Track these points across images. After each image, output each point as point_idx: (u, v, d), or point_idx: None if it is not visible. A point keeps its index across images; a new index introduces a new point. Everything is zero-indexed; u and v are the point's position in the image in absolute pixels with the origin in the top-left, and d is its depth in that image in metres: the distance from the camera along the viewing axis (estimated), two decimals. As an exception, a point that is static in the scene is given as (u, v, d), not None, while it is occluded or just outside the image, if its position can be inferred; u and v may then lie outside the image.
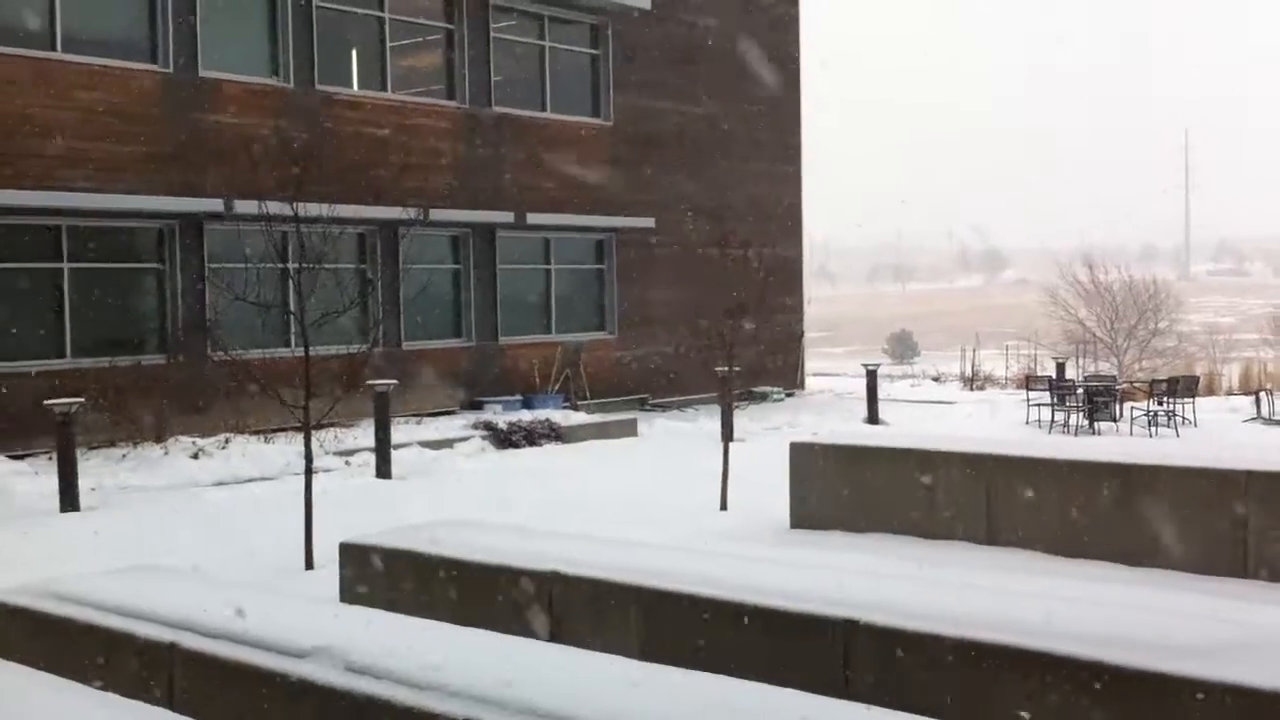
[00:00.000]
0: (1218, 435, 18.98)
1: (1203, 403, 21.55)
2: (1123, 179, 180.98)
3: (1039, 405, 20.21)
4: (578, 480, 14.19)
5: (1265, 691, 4.26)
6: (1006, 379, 30.31)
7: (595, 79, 22.73)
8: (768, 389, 24.25)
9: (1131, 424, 19.52)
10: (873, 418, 20.86)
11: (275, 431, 15.70)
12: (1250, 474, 8.75)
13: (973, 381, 29.71)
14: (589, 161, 22.32)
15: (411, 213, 17.71)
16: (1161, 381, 20.90)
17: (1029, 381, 22.28)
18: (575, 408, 20.17)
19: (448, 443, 16.56)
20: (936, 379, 32.04)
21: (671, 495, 12.67)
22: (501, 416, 18.02)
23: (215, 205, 16.70)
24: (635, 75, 23.09)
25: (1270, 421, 20.72)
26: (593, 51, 22.69)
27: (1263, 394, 22.01)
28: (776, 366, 25.38)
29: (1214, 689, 4.38)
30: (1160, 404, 19.74)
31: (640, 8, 22.47)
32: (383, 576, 7.50)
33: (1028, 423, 20.19)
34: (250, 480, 14.25)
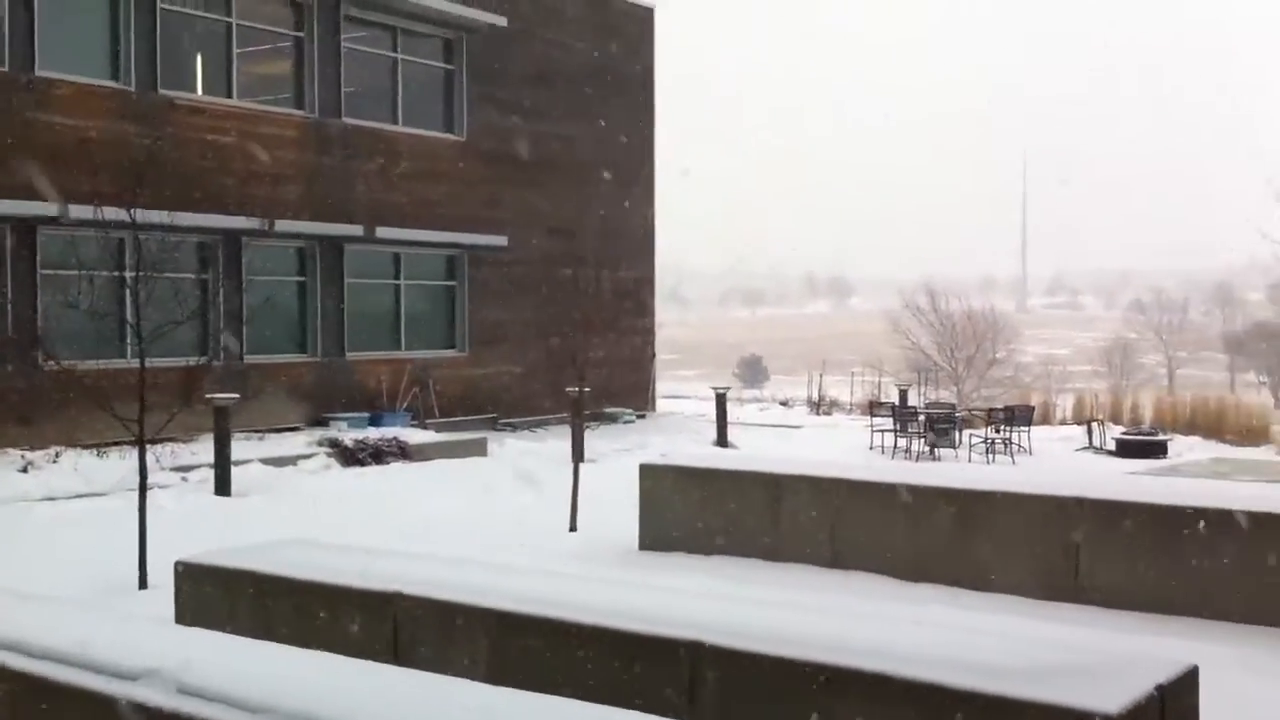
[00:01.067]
0: (1052, 463, 19.64)
1: (1038, 431, 22.27)
2: (963, 211, 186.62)
3: (882, 431, 20.65)
4: (425, 499, 14.00)
5: (1080, 711, 4.38)
6: (852, 405, 30.90)
7: (449, 94, 22.57)
8: (619, 410, 24.31)
9: (970, 451, 20.07)
10: (722, 440, 21.05)
11: (109, 445, 15.15)
12: (1081, 501, 9.03)
13: (819, 406, 30.21)
14: (441, 176, 22.13)
15: (255, 222, 17.32)
16: (999, 410, 21.55)
17: (873, 407, 22.75)
18: (424, 426, 19.92)
19: (291, 460, 16.19)
20: (784, 403, 32.51)
21: (520, 516, 12.59)
22: (348, 434, 17.70)
23: (49, 209, 16.09)
24: (490, 91, 22.99)
25: (1101, 450, 21.52)
26: (446, 66, 22.53)
27: (1094, 424, 22.87)
28: (628, 388, 25.46)
29: (1042, 710, 4.49)
30: (998, 432, 20.34)
31: (495, 24, 22.40)
32: (220, 597, 7.27)
33: (871, 448, 20.60)
34: (82, 496, 13.71)
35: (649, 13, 27.18)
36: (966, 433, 20.90)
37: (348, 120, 20.61)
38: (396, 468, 16.68)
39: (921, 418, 20.78)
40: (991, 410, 22.03)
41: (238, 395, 15.56)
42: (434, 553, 8.10)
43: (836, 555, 9.94)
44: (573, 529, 11.74)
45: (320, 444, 17.15)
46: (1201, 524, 8.46)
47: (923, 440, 20.20)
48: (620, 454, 18.19)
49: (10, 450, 15.07)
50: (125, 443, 14.14)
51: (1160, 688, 4.56)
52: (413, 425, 19.60)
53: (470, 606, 6.26)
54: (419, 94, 22.15)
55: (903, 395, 25.28)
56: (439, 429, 19.81)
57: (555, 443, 19.43)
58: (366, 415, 19.53)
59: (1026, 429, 20.82)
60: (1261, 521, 8.29)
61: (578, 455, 13.50)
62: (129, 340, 14.84)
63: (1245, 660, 6.93)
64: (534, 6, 24.04)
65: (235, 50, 19.19)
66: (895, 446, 20.25)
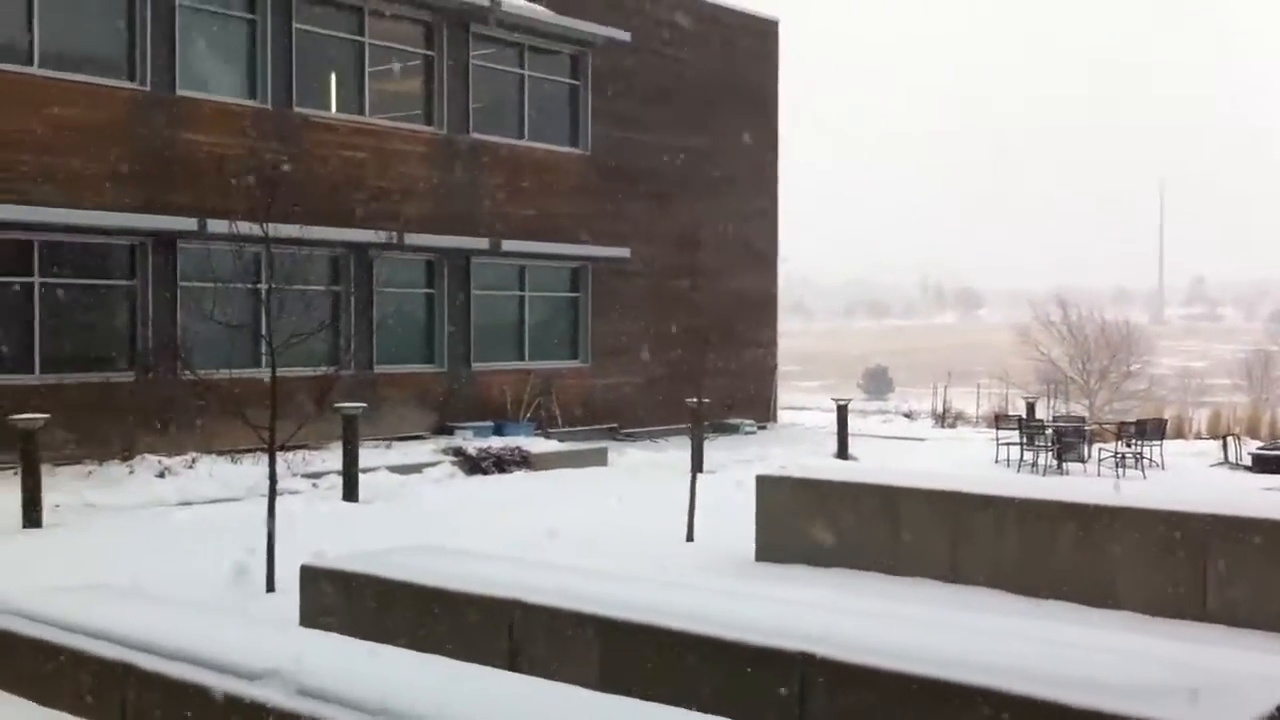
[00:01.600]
0: (1184, 479, 19.09)
1: (1170, 446, 21.68)
2: (1098, 219, 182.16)
3: (1008, 444, 20.30)
4: (545, 508, 14.15)
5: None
6: (977, 417, 30.41)
7: (573, 108, 22.82)
8: (739, 421, 24.28)
9: (1099, 465, 19.62)
10: (842, 452, 20.91)
11: (243, 452, 15.62)
12: (1214, 519, 8.80)
13: (944, 419, 29.80)
14: (565, 190, 22.38)
15: (384, 236, 17.71)
16: (1130, 424, 21.03)
17: (999, 420, 22.38)
18: (546, 436, 20.15)
19: (417, 468, 16.52)
20: (908, 415, 32.13)
21: (638, 525, 12.65)
22: (472, 442, 17.99)
23: (189, 224, 16.66)
24: (613, 106, 23.19)
25: (1236, 466, 20.87)
26: (572, 81, 22.79)
27: (1230, 439, 22.17)
28: (749, 399, 25.42)
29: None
30: (1128, 446, 19.85)
31: (619, 39, 22.59)
32: (343, 600, 7.47)
33: (997, 461, 20.27)
34: (216, 501, 14.16)
35: (773, 26, 27.17)
36: (1096, 446, 20.44)
37: (475, 135, 20.97)
38: (518, 476, 16.91)
39: (1049, 431, 20.39)
40: (1122, 424, 21.50)
41: (365, 404, 15.92)
42: (552, 561, 8.21)
43: (956, 569, 9.81)
44: (689, 539, 11.78)
45: (445, 452, 17.46)
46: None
47: (1050, 453, 19.81)
48: (739, 465, 18.16)
49: (149, 456, 15.62)
50: (258, 449, 14.57)
51: (1282, 710, 4.45)
52: (535, 435, 19.84)
53: (585, 614, 6.34)
54: (544, 109, 22.45)
55: (1030, 408, 24.84)
56: (561, 439, 20.03)
57: (675, 453, 19.50)
58: (490, 425, 19.83)
59: (1159, 443, 20.28)
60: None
61: (696, 466, 13.54)
62: (262, 350, 15.32)
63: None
64: (656, 22, 24.20)
65: (368, 68, 19.68)
66: (1021, 460, 19.89)
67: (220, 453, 15.89)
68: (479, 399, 20.70)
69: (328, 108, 19.51)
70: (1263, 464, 20.28)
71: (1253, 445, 22.07)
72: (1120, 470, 19.37)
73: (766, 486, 11.06)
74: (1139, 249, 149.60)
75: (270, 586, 9.53)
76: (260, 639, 5.49)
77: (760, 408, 26.02)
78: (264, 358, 12.54)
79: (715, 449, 19.62)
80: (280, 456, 10.37)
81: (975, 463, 19.94)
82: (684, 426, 20.54)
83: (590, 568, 7.79)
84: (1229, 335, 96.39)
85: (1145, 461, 19.68)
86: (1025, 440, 20.07)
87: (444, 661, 5.32)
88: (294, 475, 14.88)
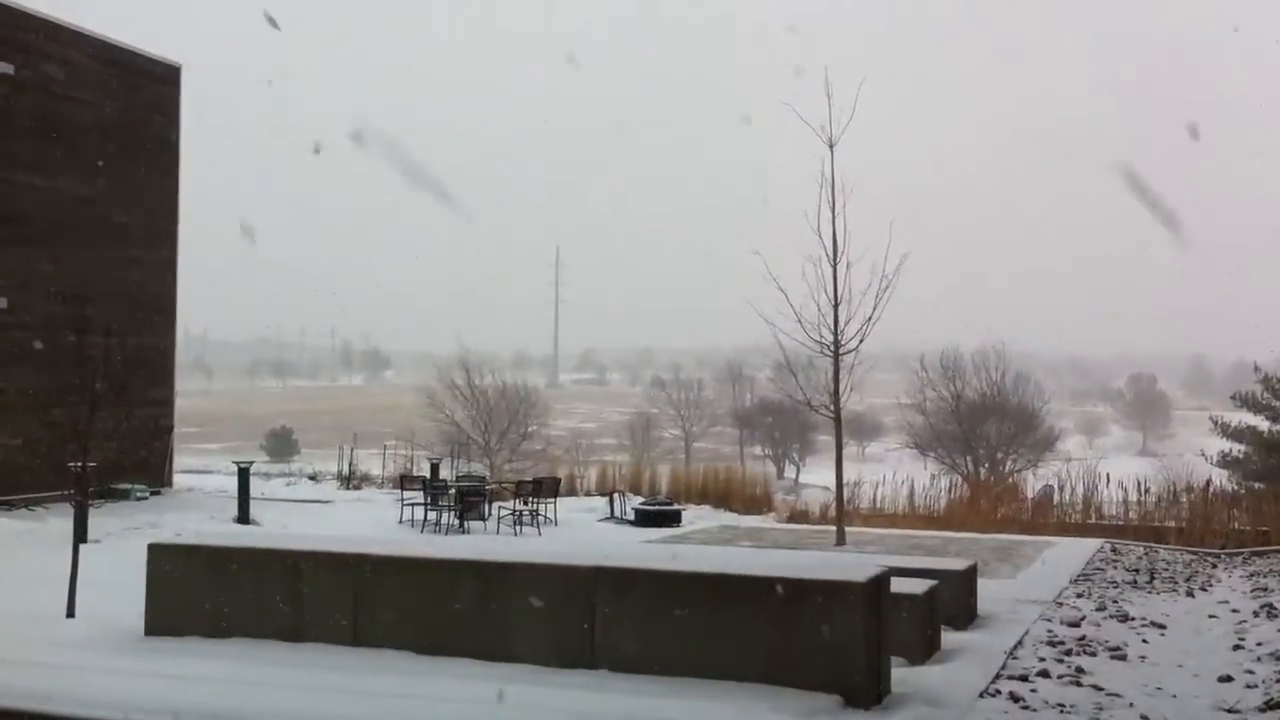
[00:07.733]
0: (576, 533, 20.25)
1: (564, 502, 22.92)
2: (499, 288, 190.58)
3: (413, 504, 20.55)
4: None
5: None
6: (383, 478, 30.59)
7: (-57, 142, 20.61)
8: (130, 486, 22.77)
9: (499, 522, 20.35)
10: (243, 517, 20.21)
11: None
12: (599, 570, 9.31)
13: (350, 480, 29.69)
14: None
15: None
16: (527, 482, 22.02)
17: (404, 481, 22.63)
18: (-101, 506, 17.83)
19: None
20: (313, 477, 31.69)
21: (12, 603, 11.49)
22: None
23: None
24: (-7, 142, 21.19)
25: (622, 520, 22.43)
26: (-58, 112, 20.59)
27: (616, 495, 23.84)
28: (141, 462, 23.91)
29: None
30: (525, 504, 20.75)
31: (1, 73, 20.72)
32: None
33: (401, 522, 20.45)
34: None
35: (175, 72, 26.07)
36: (496, 505, 21.19)
37: None
38: None
39: (452, 491, 20.87)
40: (520, 483, 22.46)
41: None
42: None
43: (359, 632, 9.70)
44: (70, 615, 10.83)
45: None
46: (700, 588, 8.93)
47: (453, 513, 20.28)
48: (130, 533, 17.08)
49: None
50: None
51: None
52: (-114, 506, 17.49)
53: (-65, 708, 5.60)
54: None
55: (434, 468, 25.35)
56: (-82, 510, 17.79)
57: (56, 522, 17.99)
58: None
59: (553, 500, 21.37)
60: (752, 584, 8.82)
61: (80, 535, 12.50)
62: None
63: (740, 716, 7.33)
64: (47, 57, 22.44)
65: None
66: (425, 520, 20.20)
67: None
68: None
69: None
70: (644, 518, 21.97)
71: (636, 500, 23.86)
72: (518, 527, 20.20)
73: (158, 555, 10.40)
74: (537, 316, 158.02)
75: None
76: None
77: (154, 471, 24.56)
78: None
79: (103, 516, 18.32)
80: None
81: (381, 524, 20.00)
82: (68, 493, 18.94)
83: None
84: (616, 399, 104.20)
85: (541, 518, 20.66)
86: (429, 500, 20.43)
87: None
88: None
